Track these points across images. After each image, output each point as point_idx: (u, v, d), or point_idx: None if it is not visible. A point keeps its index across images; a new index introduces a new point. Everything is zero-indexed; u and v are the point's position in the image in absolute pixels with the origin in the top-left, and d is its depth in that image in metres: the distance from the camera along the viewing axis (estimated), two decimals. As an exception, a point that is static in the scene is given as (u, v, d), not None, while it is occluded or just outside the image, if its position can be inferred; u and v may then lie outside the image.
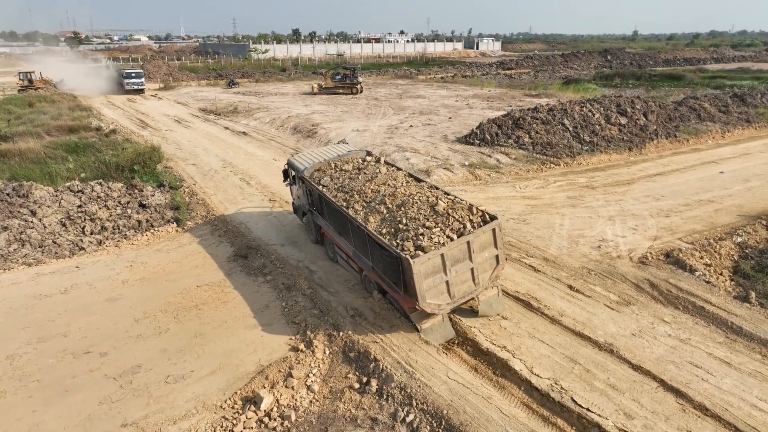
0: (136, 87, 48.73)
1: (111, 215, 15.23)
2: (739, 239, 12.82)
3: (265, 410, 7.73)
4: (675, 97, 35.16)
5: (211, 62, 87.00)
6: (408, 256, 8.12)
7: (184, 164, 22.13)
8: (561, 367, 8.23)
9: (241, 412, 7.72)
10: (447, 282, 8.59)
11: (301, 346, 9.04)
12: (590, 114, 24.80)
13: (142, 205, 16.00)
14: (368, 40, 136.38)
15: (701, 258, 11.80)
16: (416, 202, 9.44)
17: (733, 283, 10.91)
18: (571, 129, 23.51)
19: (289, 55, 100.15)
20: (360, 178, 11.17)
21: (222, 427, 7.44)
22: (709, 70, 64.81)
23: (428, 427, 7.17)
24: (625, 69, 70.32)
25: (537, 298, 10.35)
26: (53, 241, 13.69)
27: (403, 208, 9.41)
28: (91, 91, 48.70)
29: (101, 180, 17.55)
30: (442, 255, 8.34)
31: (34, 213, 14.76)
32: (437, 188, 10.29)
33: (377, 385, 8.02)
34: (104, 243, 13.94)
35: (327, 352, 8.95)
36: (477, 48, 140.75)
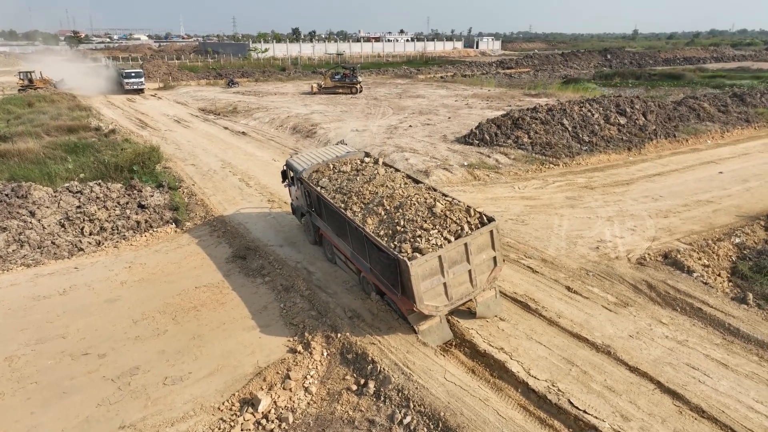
0: (135, 87, 48.71)
1: (110, 216, 15.24)
2: (737, 240, 12.84)
3: (262, 412, 7.75)
4: (674, 97, 35.16)
5: (211, 62, 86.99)
6: (405, 258, 8.13)
7: (183, 164, 22.13)
8: (558, 369, 8.25)
9: (238, 413, 7.73)
10: (444, 284, 8.60)
11: (299, 348, 9.06)
12: (589, 114, 24.80)
13: (141, 206, 16.01)
14: (368, 40, 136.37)
15: (699, 259, 11.81)
16: (414, 204, 9.44)
17: (730, 284, 10.92)
18: (570, 129, 23.52)
19: (289, 55, 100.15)
20: (358, 179, 11.18)
21: (219, 429, 7.45)
22: (709, 70, 64.80)
23: (425, 429, 7.18)
24: (625, 68, 70.29)
25: (535, 300, 10.37)
26: (52, 242, 13.71)
27: (401, 210, 9.42)
28: (90, 90, 48.69)
29: (100, 180, 17.56)
30: (439, 257, 8.35)
31: (33, 214, 14.76)
32: (435, 190, 10.29)
33: (375, 386, 8.04)
34: (103, 244, 13.96)
35: (325, 354, 8.96)
36: (477, 47, 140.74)
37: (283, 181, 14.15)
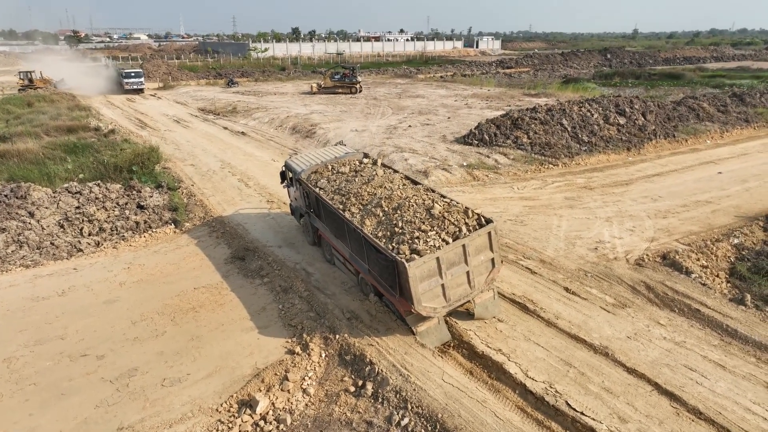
0: (135, 86, 48.70)
1: (109, 216, 15.25)
2: (736, 241, 12.84)
3: (260, 414, 7.76)
4: (674, 97, 35.15)
5: (211, 61, 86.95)
6: (403, 260, 8.14)
7: (182, 165, 22.14)
8: (556, 371, 8.26)
9: (236, 415, 7.74)
10: (442, 285, 8.61)
11: (298, 349, 9.07)
12: (589, 114, 24.80)
13: (140, 206, 16.02)
14: (368, 39, 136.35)
15: (698, 260, 11.82)
16: (412, 205, 9.45)
17: (729, 285, 10.92)
18: (569, 129, 23.52)
19: (289, 54, 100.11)
20: (357, 180, 11.18)
21: (218, 430, 7.46)
22: (709, 69, 64.76)
23: (423, 431, 7.19)
24: (625, 68, 70.27)
25: (533, 301, 10.37)
26: (51, 243, 13.71)
27: (399, 211, 9.43)
28: (90, 90, 48.68)
29: (99, 181, 17.58)
30: (437, 258, 8.36)
31: (32, 214, 14.78)
32: (433, 191, 10.29)
33: (373, 388, 8.05)
34: (102, 244, 13.96)
35: (323, 355, 8.97)
36: (477, 47, 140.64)
37: (281, 182, 14.16)
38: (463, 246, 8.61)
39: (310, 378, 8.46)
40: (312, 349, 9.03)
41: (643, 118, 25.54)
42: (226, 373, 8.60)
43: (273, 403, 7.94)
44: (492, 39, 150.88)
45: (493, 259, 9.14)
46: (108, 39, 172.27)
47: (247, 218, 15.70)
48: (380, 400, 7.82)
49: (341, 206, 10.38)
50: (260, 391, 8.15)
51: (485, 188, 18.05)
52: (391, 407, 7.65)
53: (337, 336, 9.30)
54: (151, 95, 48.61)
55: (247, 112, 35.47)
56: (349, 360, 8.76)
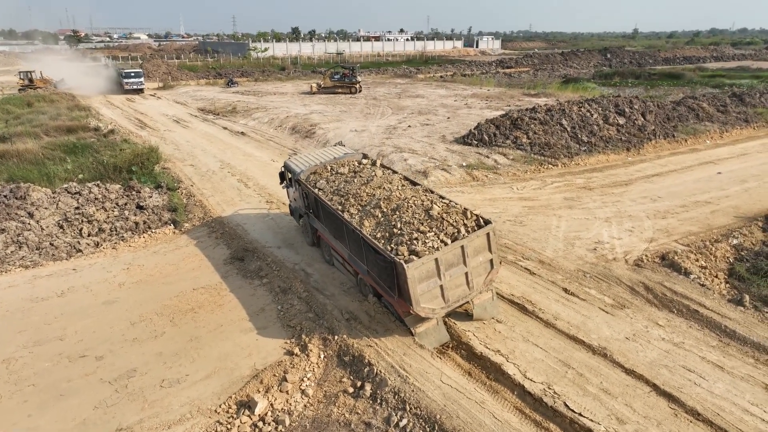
0: (135, 87, 48.66)
1: (108, 217, 15.25)
2: (735, 241, 12.84)
3: (259, 415, 7.77)
4: (674, 97, 35.16)
5: (211, 61, 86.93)
6: (402, 261, 8.15)
7: (182, 165, 22.14)
8: (554, 372, 8.26)
9: (235, 416, 7.75)
10: (441, 286, 8.62)
11: (296, 350, 9.08)
12: (588, 114, 24.80)
13: (139, 207, 16.02)
14: (368, 39, 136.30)
15: (696, 260, 11.82)
16: (411, 206, 9.46)
17: (727, 285, 10.93)
18: (569, 129, 23.52)
19: (289, 54, 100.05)
20: (356, 181, 11.19)
21: (216, 431, 7.47)
22: (709, 69, 64.74)
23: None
24: (625, 68, 70.26)
25: (532, 302, 10.38)
26: (50, 243, 13.72)
27: (397, 212, 9.43)
28: (89, 90, 48.67)
29: (99, 181, 17.59)
30: (436, 260, 8.36)
31: (31, 215, 14.79)
32: (432, 192, 10.30)
33: (371, 389, 8.05)
34: (101, 245, 13.97)
35: (322, 356, 8.98)
36: (477, 46, 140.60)
37: (281, 183, 14.16)
38: (462, 247, 8.62)
39: (308, 379, 8.47)
40: (311, 350, 9.04)
41: (642, 119, 25.55)
42: (224, 374, 8.60)
43: (272, 404, 7.94)
44: (492, 39, 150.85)
45: (491, 260, 9.14)
46: (108, 39, 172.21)
47: (246, 219, 15.71)
48: (379, 401, 7.83)
49: (340, 207, 10.39)
50: (259, 392, 8.16)
51: (484, 188, 18.05)
52: (389, 408, 7.66)
53: (336, 337, 9.31)
54: (150, 95, 48.61)
55: (247, 112, 35.47)
56: (348, 361, 8.77)
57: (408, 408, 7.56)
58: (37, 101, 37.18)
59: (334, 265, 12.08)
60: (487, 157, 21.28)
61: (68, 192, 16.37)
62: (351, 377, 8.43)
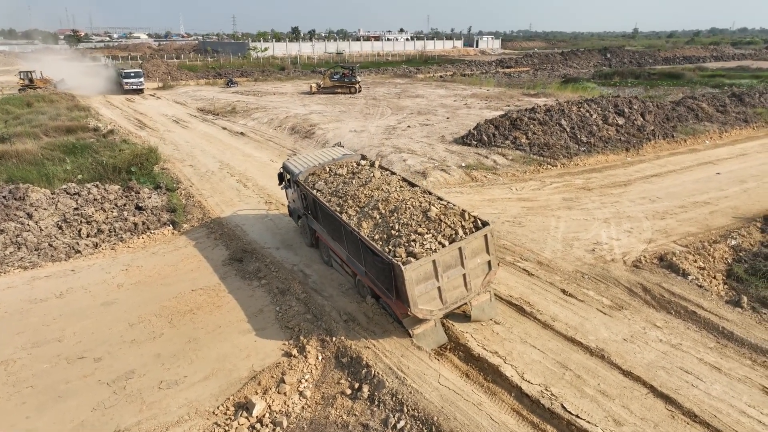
0: (135, 87, 48.61)
1: (107, 218, 15.26)
2: (734, 242, 12.85)
3: (257, 416, 7.78)
4: (673, 97, 35.16)
5: (210, 61, 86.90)
6: (399, 263, 8.16)
7: (181, 165, 22.15)
8: (552, 373, 8.27)
9: (233, 418, 7.76)
10: (439, 288, 8.62)
11: (294, 352, 9.09)
12: (588, 114, 24.80)
13: (138, 208, 16.03)
14: (368, 38, 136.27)
15: (695, 261, 11.83)
16: (409, 208, 9.46)
17: (726, 286, 10.94)
18: (568, 129, 23.52)
19: (288, 54, 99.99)
20: (354, 182, 11.19)
21: (214, 433, 7.48)
22: (709, 69, 64.71)
23: (418, 433, 7.21)
24: (625, 67, 70.27)
25: (530, 303, 10.39)
26: (49, 244, 13.72)
27: (395, 214, 9.44)
28: (89, 90, 48.66)
29: (98, 182, 17.59)
30: (433, 261, 8.37)
31: (30, 216, 14.80)
32: (430, 193, 10.30)
33: (369, 391, 8.06)
34: (100, 246, 13.98)
35: (320, 358, 8.99)
36: (477, 46, 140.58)
37: (279, 184, 14.17)
38: (460, 249, 8.63)
39: (306, 380, 8.48)
40: (309, 352, 9.05)
41: (641, 119, 25.55)
42: (222, 375, 8.62)
43: (269, 406, 7.96)
44: (492, 38, 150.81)
45: (489, 262, 9.15)
46: (108, 38, 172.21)
47: (245, 219, 15.72)
48: (376, 402, 7.84)
49: (338, 208, 10.39)
50: (257, 393, 8.17)
51: (483, 189, 18.06)
52: (387, 410, 7.67)
53: (334, 338, 9.32)
54: (150, 95, 48.61)
55: (246, 113, 35.47)
56: (346, 362, 8.78)
57: (405, 410, 7.57)
58: (37, 101, 37.18)
59: (333, 266, 12.09)
60: (486, 157, 21.28)
61: (67, 193, 16.38)
62: (349, 379, 8.43)
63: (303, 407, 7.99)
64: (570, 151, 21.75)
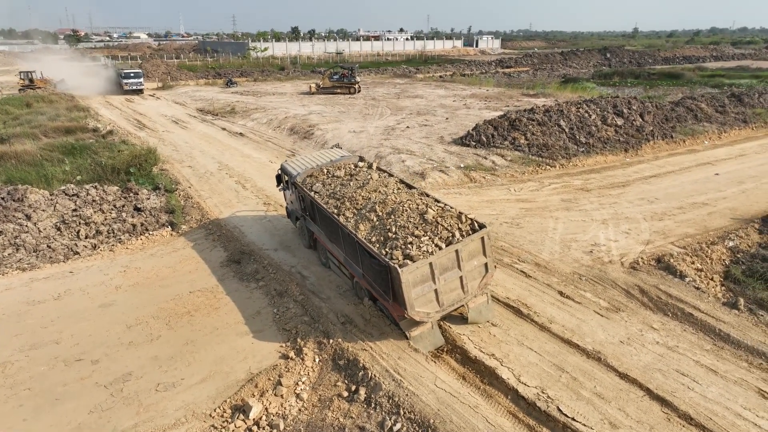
0: (134, 87, 48.56)
1: (106, 219, 15.27)
2: (731, 243, 12.86)
3: (254, 419, 7.80)
4: (673, 97, 35.16)
5: (210, 60, 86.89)
6: (396, 265, 8.17)
7: (180, 166, 22.16)
8: (548, 376, 8.28)
9: (230, 420, 7.78)
10: (436, 290, 8.63)
11: (291, 354, 9.10)
12: (586, 115, 24.81)
13: (137, 209, 16.03)
14: (367, 38, 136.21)
15: (692, 263, 11.84)
16: (406, 210, 9.47)
17: (723, 288, 10.95)
18: (567, 130, 23.53)
19: (288, 54, 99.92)
20: (351, 184, 11.20)
21: (211, 436, 7.49)
22: (708, 69, 64.70)
23: (415, 436, 7.22)
24: (624, 67, 70.29)
25: (527, 305, 10.40)
26: (48, 246, 13.73)
27: (392, 216, 9.44)
28: (89, 91, 48.66)
29: (97, 183, 17.60)
30: (430, 264, 8.38)
31: (29, 217, 14.80)
32: (428, 195, 10.31)
33: (366, 393, 8.08)
34: (99, 247, 13.99)
35: (317, 360, 9.00)
36: (476, 46, 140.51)
37: (277, 185, 14.18)
38: (456, 251, 8.64)
39: (303, 383, 8.49)
40: (306, 354, 9.06)
41: (640, 119, 25.56)
42: (220, 377, 8.63)
43: (266, 408, 7.97)
44: (492, 38, 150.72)
45: (486, 264, 9.16)
46: (108, 38, 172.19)
47: (243, 221, 15.73)
48: (373, 405, 7.85)
49: (336, 210, 10.40)
50: (254, 396, 8.19)
51: (482, 190, 18.07)
52: (383, 412, 7.68)
53: (331, 340, 9.33)
54: (150, 95, 48.60)
55: (246, 113, 35.48)
56: (343, 365, 8.79)
57: (402, 412, 7.58)
58: (36, 102, 37.18)
59: (330, 268, 12.11)
60: (485, 158, 21.29)
61: (66, 194, 16.39)
62: (346, 381, 8.45)
63: (300, 410, 8.01)
64: (569, 152, 21.76)
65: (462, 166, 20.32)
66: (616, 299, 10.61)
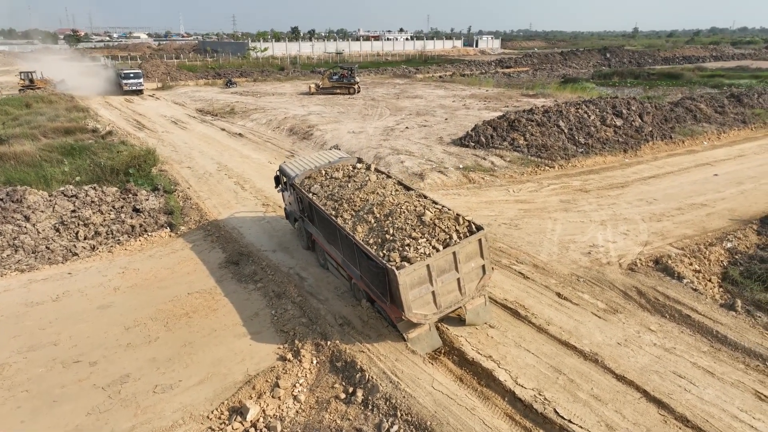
0: (134, 87, 48.54)
1: (105, 220, 15.29)
2: (729, 245, 12.87)
3: (251, 421, 7.80)
4: (672, 97, 35.16)
5: (210, 61, 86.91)
6: (394, 267, 8.18)
7: (179, 167, 22.17)
8: (545, 378, 8.29)
9: (227, 422, 7.78)
10: (433, 292, 8.64)
11: (289, 356, 9.11)
12: (586, 115, 24.81)
13: (135, 210, 16.04)
14: (367, 38, 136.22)
15: (690, 264, 11.84)
16: (403, 212, 9.48)
17: (721, 289, 10.95)
18: (566, 131, 23.54)
19: (288, 54, 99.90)
20: (350, 186, 11.21)
21: (208, 438, 7.50)
22: (708, 69, 64.68)
23: (411, 438, 7.23)
24: (624, 67, 70.31)
25: (525, 306, 10.41)
26: (46, 247, 13.75)
27: (390, 218, 9.46)
28: (88, 91, 48.67)
29: (95, 184, 17.61)
30: (427, 266, 8.39)
31: (27, 218, 14.82)
32: (425, 197, 10.32)
33: (363, 395, 8.08)
34: (97, 248, 14.00)
35: (314, 362, 9.01)
36: (476, 46, 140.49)
37: (276, 187, 14.20)
38: (454, 253, 8.65)
39: (301, 385, 8.50)
40: (303, 356, 9.07)
41: (640, 120, 25.56)
42: (217, 379, 8.64)
43: (264, 410, 7.98)
44: (492, 38, 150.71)
45: (483, 266, 9.17)
46: (108, 38, 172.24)
47: (242, 222, 15.74)
48: (370, 407, 7.86)
49: (334, 212, 10.42)
50: (251, 398, 8.19)
51: (481, 191, 18.07)
52: (380, 414, 7.69)
53: (329, 342, 9.34)
54: (149, 95, 48.62)
55: (245, 113, 35.49)
56: (340, 367, 8.80)
57: (399, 414, 7.59)
58: (36, 102, 37.21)
59: (329, 269, 12.11)
60: (484, 159, 21.30)
61: (65, 195, 16.40)
62: (343, 383, 8.46)
63: (297, 412, 8.02)
64: (568, 153, 21.77)
65: (461, 166, 20.33)
66: (614, 301, 10.62)
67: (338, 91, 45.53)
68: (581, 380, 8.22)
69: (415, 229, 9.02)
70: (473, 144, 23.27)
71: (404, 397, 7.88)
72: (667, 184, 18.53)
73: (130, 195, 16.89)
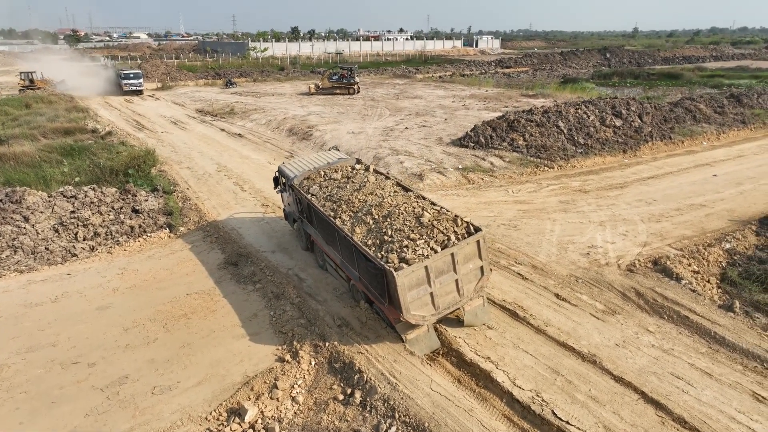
0: (134, 88, 48.53)
1: (104, 221, 15.29)
2: (728, 245, 12.87)
3: (249, 422, 7.81)
4: (672, 97, 35.16)
5: (210, 61, 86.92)
6: (392, 269, 8.18)
7: (178, 168, 22.18)
8: (543, 379, 8.30)
9: (225, 423, 7.79)
10: (431, 293, 8.65)
11: (288, 357, 9.12)
12: (585, 116, 24.82)
13: (135, 211, 16.06)
14: (367, 38, 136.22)
15: (689, 265, 11.85)
16: (402, 213, 9.49)
17: (719, 290, 10.96)
18: (565, 131, 23.54)
19: (288, 54, 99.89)
20: (348, 187, 11.22)
21: (206, 439, 7.51)
22: (708, 69, 64.68)
23: (409, 439, 7.24)
24: (624, 68, 70.30)
25: (523, 307, 10.41)
26: (46, 248, 13.75)
27: (389, 219, 9.46)
28: (88, 91, 48.67)
29: (95, 185, 17.63)
30: (426, 267, 8.40)
31: (27, 219, 14.83)
32: (424, 198, 10.32)
33: (361, 396, 8.09)
34: (97, 249, 14.01)
35: (313, 363, 9.02)
36: (476, 46, 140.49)
37: (275, 188, 14.21)
38: (452, 255, 8.65)
39: (299, 386, 8.51)
40: (302, 357, 9.08)
41: (639, 120, 25.56)
42: (216, 381, 8.65)
43: (262, 412, 7.99)
44: (492, 38, 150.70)
45: (482, 267, 9.18)
46: (108, 38, 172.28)
47: (241, 223, 15.74)
48: (368, 408, 7.87)
49: (332, 213, 10.42)
50: (249, 399, 8.20)
51: (480, 191, 18.08)
52: (378, 416, 7.70)
53: (327, 343, 9.35)
54: (149, 96, 48.63)
55: (245, 114, 35.50)
56: (339, 368, 8.81)
57: (397, 416, 7.60)
58: (36, 102, 37.23)
59: (327, 270, 12.12)
60: (483, 159, 21.30)
61: (64, 196, 16.41)
62: (341, 384, 8.47)
63: (295, 413, 8.03)
64: (567, 153, 21.78)
65: (460, 167, 20.34)
66: (613, 302, 10.63)
67: (338, 91, 45.53)
68: (579, 381, 8.23)
69: (413, 231, 9.03)
70: (472, 144, 23.28)
71: (402, 398, 7.89)
72: (666, 184, 18.53)
73: (130, 196, 16.91)
